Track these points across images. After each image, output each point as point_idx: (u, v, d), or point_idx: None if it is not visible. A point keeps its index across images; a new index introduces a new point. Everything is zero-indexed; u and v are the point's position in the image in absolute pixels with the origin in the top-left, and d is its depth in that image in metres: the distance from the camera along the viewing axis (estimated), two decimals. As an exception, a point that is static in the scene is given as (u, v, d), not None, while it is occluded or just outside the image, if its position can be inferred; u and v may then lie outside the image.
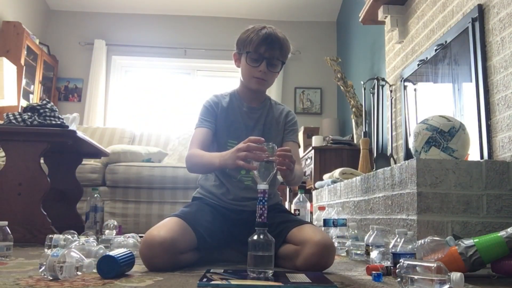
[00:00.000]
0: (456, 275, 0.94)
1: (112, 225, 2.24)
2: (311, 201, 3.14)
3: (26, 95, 4.73)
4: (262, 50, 1.56)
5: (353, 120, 3.99)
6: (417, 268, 1.00)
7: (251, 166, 1.27)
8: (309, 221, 2.35)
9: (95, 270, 1.13)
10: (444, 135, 1.74)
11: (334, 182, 2.82)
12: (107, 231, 2.14)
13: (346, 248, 1.87)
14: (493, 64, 1.91)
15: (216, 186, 1.64)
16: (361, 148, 3.34)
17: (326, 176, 3.16)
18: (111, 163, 3.40)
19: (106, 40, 5.46)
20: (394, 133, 3.13)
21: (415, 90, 2.78)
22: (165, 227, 1.35)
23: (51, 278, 1.08)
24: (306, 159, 4.15)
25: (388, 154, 3.12)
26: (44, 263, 1.08)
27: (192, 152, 1.57)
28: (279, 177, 1.80)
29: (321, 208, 2.52)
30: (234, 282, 1.06)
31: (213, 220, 1.53)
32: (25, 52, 4.63)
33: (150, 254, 1.29)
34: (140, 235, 1.84)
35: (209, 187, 1.65)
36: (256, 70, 1.58)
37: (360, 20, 3.37)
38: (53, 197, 2.54)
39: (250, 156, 1.27)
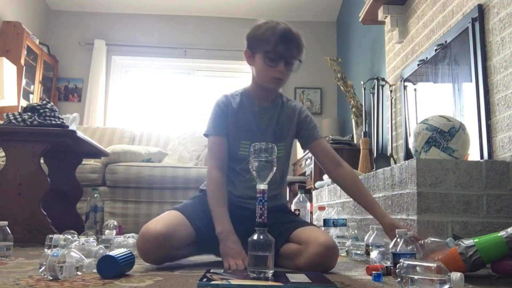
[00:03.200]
0: (456, 275, 0.94)
1: (112, 225, 2.24)
2: (311, 201, 3.14)
3: (26, 95, 4.73)
4: (280, 50, 1.49)
5: (353, 120, 3.99)
6: (417, 268, 1.00)
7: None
8: (309, 221, 2.35)
9: (95, 270, 1.13)
10: (444, 135, 1.74)
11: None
12: (107, 231, 2.14)
13: (346, 248, 1.87)
14: (493, 64, 1.91)
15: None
16: (361, 148, 3.34)
17: (326, 176, 3.16)
18: (111, 163, 3.40)
19: (106, 40, 5.46)
20: (394, 133, 3.13)
21: (415, 90, 2.78)
22: (162, 221, 1.38)
23: (51, 278, 1.08)
24: (306, 159, 4.15)
25: (388, 154, 3.12)
26: (44, 263, 1.08)
27: (213, 176, 1.52)
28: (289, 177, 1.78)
29: (321, 208, 2.52)
30: (234, 282, 1.07)
31: None
32: (25, 52, 4.62)
33: (145, 247, 1.34)
34: (140, 235, 1.84)
35: None
36: (275, 70, 1.52)
37: (360, 20, 3.37)
38: (53, 197, 2.54)
39: (233, 272, 1.27)
